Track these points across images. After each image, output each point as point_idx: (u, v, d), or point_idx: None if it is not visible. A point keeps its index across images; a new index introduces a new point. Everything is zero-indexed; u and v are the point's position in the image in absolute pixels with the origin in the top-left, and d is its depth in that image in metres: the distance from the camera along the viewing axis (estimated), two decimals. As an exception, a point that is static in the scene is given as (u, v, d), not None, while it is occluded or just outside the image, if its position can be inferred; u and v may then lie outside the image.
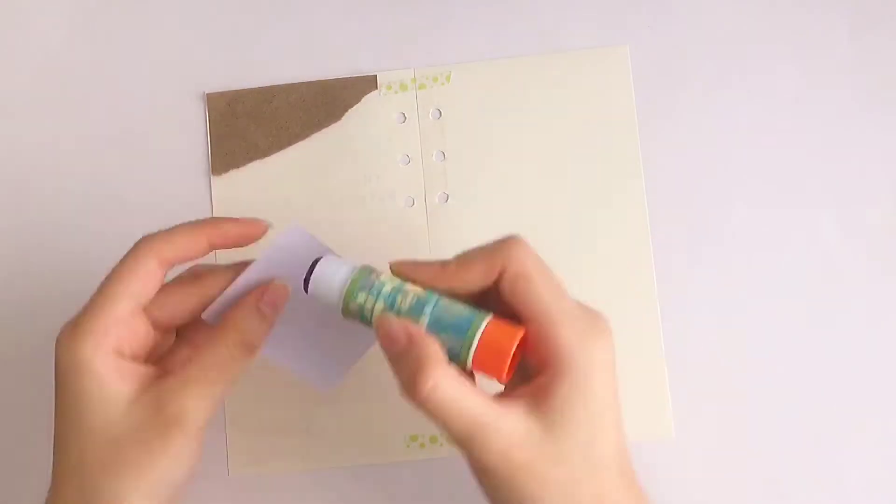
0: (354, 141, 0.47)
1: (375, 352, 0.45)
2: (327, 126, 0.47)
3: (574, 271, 0.45)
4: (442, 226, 0.46)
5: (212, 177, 0.47)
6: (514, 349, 0.33)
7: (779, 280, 0.45)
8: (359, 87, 0.47)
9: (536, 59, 0.47)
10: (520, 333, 0.33)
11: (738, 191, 0.45)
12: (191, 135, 0.47)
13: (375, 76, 0.47)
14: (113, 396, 0.34)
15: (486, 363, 0.33)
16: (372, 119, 0.47)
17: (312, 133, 0.47)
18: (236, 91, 0.47)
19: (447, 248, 0.45)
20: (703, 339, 0.45)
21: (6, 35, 0.48)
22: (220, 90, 0.47)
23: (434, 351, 0.32)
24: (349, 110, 0.47)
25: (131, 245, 0.37)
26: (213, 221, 0.37)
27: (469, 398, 0.32)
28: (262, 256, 0.38)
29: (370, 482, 0.44)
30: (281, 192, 0.46)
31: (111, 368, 0.35)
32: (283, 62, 0.47)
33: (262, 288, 0.37)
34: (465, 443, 0.33)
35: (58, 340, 0.35)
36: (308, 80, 0.47)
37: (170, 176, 0.47)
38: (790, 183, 0.45)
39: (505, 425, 0.32)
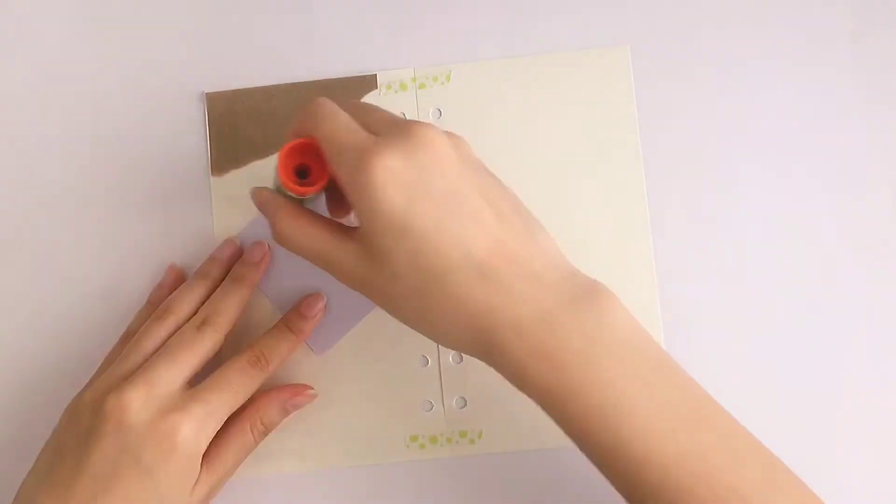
0: (354, 141, 0.47)
1: (376, 352, 0.45)
2: (327, 126, 0.47)
3: (574, 271, 0.45)
4: (442, 226, 0.46)
5: (211, 177, 0.47)
6: (285, 154, 0.36)
7: (779, 279, 0.45)
8: (359, 87, 0.47)
9: (536, 59, 0.47)
10: (293, 143, 0.36)
11: (738, 191, 0.45)
12: (191, 135, 0.47)
13: (375, 76, 0.47)
14: (191, 483, 0.39)
15: (282, 180, 0.37)
16: (372, 119, 0.47)
17: (312, 133, 0.47)
18: (236, 91, 0.47)
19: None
20: (703, 339, 0.45)
21: (6, 35, 0.48)
22: (220, 90, 0.47)
23: (273, 200, 0.38)
24: (349, 110, 0.47)
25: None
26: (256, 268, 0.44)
27: (308, 233, 0.37)
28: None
29: (370, 482, 0.44)
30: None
31: (200, 462, 0.39)
32: (283, 62, 0.47)
33: (294, 389, 0.43)
34: (322, 269, 0.37)
35: (178, 424, 0.38)
36: (308, 79, 0.47)
37: (170, 176, 0.47)
38: (791, 183, 0.45)
39: (340, 255, 0.36)
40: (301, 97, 0.47)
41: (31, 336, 0.46)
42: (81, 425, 0.38)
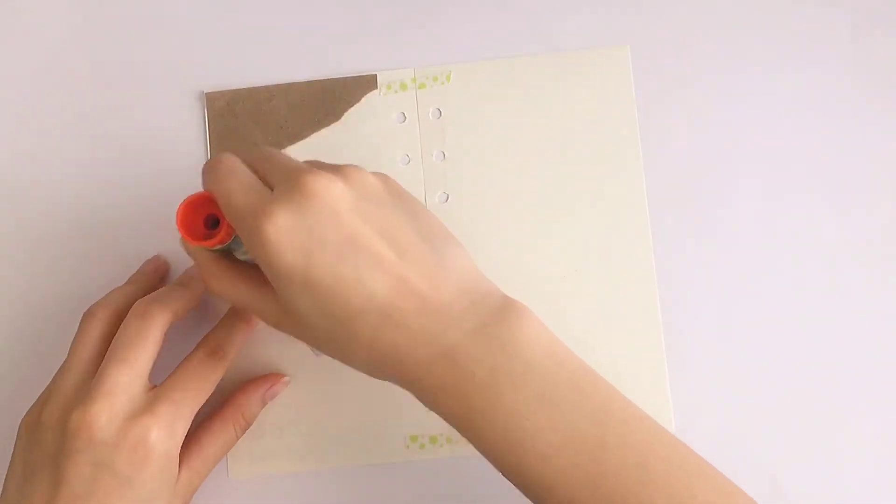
0: (354, 141, 0.47)
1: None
2: (327, 126, 0.47)
3: (574, 271, 0.45)
4: (442, 226, 0.46)
5: (211, 176, 0.47)
6: (182, 210, 0.37)
7: (779, 279, 0.45)
8: (359, 87, 0.47)
9: (536, 59, 0.47)
10: (190, 198, 0.37)
11: (738, 190, 0.46)
12: (190, 134, 0.47)
13: (375, 76, 0.47)
14: (172, 483, 0.39)
15: (181, 234, 0.37)
16: (372, 119, 0.47)
17: (312, 133, 0.47)
18: (236, 90, 0.47)
19: (447, 248, 0.46)
20: (704, 337, 0.45)
21: (4, 34, 0.48)
22: (220, 89, 0.47)
23: (198, 254, 0.38)
24: (349, 110, 0.47)
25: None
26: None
27: (232, 287, 0.37)
28: None
29: (370, 482, 0.44)
30: (281, 191, 0.46)
31: (178, 461, 0.39)
32: (283, 62, 0.47)
33: (270, 379, 0.44)
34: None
35: (148, 428, 0.37)
36: (308, 79, 0.47)
37: (169, 176, 0.47)
38: (791, 183, 0.45)
39: (263, 307, 0.37)
40: (301, 97, 0.47)
41: (29, 336, 0.46)
42: (46, 446, 0.38)
